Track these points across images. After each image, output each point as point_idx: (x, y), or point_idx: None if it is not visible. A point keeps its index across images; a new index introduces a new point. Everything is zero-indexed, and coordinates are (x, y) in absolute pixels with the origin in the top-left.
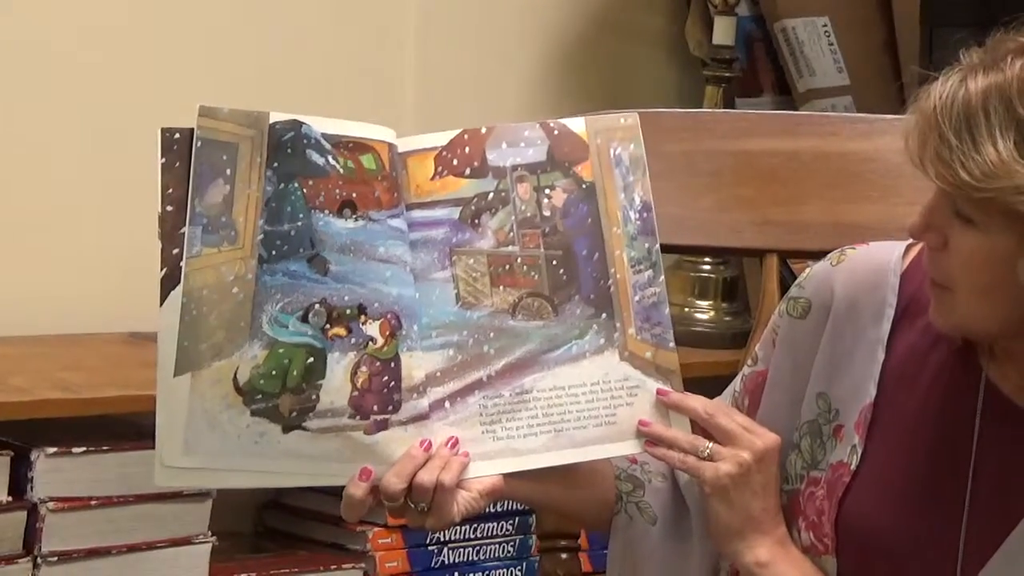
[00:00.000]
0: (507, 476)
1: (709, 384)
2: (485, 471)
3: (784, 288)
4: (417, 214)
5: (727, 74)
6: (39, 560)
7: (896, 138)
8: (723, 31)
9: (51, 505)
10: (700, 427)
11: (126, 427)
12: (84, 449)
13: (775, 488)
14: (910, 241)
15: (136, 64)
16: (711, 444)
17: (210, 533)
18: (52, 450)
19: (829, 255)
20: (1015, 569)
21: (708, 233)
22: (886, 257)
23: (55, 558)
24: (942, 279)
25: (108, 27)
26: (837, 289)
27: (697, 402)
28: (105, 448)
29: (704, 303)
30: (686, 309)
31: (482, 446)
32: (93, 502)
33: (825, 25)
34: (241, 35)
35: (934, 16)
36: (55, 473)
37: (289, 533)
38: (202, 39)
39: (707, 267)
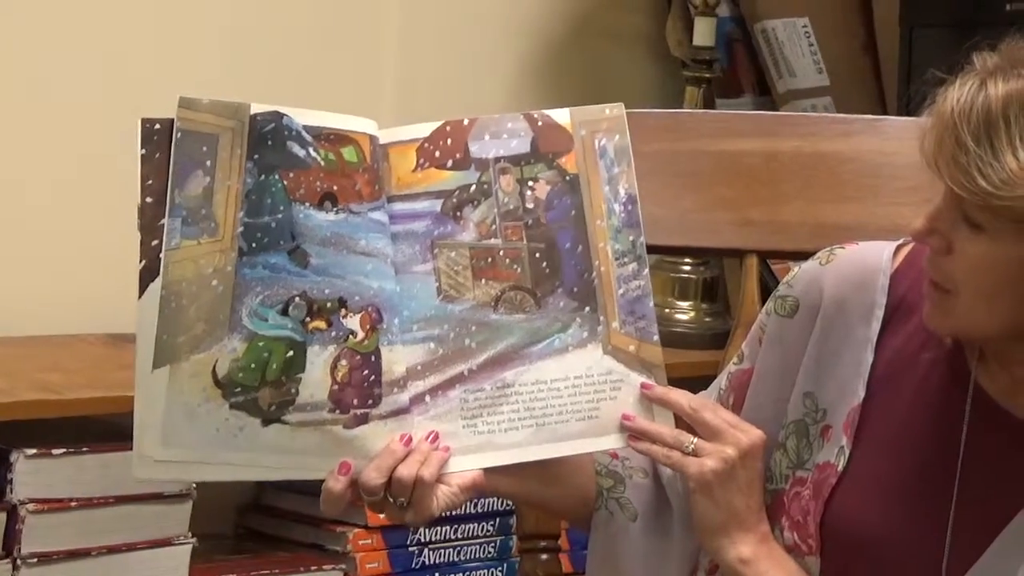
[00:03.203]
0: (487, 471)
1: (689, 384)
2: (465, 465)
3: (764, 288)
4: (398, 207)
5: (707, 75)
6: (19, 562)
7: (875, 138)
8: (703, 32)
9: (31, 506)
10: (684, 422)
11: (106, 428)
12: (64, 450)
13: (759, 485)
14: (900, 241)
15: (116, 64)
16: (695, 439)
17: (190, 534)
18: (32, 451)
19: (818, 254)
20: (1000, 572)
21: (688, 233)
22: (876, 257)
23: (35, 559)
24: (944, 282)
25: (88, 27)
26: (826, 289)
27: (682, 397)
28: (85, 449)
29: (684, 303)
30: (666, 310)
31: (463, 440)
32: (73, 503)
33: (805, 26)
34: (221, 31)
35: (913, 16)
36: (35, 474)
37: (269, 534)
38: (182, 37)
39: (687, 267)
